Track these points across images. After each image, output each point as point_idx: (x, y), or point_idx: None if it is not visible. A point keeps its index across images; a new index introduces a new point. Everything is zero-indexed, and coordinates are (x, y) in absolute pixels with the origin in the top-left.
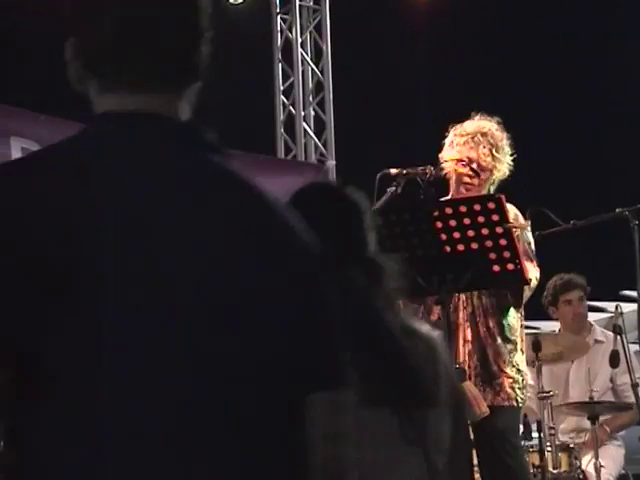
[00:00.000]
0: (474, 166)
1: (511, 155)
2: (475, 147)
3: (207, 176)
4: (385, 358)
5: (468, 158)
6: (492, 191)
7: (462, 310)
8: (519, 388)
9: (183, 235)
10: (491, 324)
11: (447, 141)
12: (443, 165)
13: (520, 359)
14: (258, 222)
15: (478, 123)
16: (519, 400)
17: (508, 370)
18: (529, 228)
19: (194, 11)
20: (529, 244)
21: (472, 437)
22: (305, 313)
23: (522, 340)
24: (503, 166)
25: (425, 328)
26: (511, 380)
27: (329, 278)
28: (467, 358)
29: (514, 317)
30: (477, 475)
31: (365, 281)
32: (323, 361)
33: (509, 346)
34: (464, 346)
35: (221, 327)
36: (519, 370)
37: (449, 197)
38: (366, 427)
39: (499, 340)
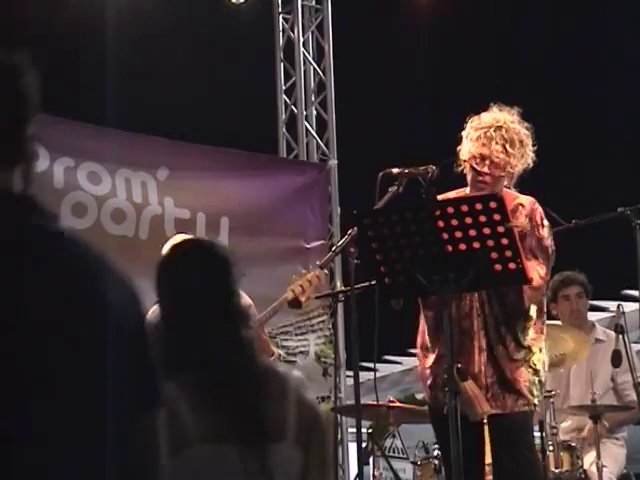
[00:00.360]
0: (487, 163)
1: (533, 145)
2: (488, 143)
3: (37, 238)
4: (233, 399)
5: (481, 155)
6: (512, 186)
7: (476, 318)
8: (536, 389)
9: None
10: (502, 332)
11: (464, 134)
12: (460, 160)
13: (538, 358)
14: (80, 277)
15: (494, 115)
16: (536, 402)
17: (525, 374)
18: (545, 222)
19: (18, 99)
20: (540, 240)
21: (487, 437)
22: (126, 351)
23: (542, 339)
24: (521, 160)
25: (282, 368)
26: (528, 383)
27: (141, 317)
28: (483, 367)
29: (530, 319)
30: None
31: (229, 329)
32: (143, 387)
33: (523, 351)
34: (480, 355)
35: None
36: (536, 370)
37: (454, 194)
38: (210, 462)
39: (512, 347)
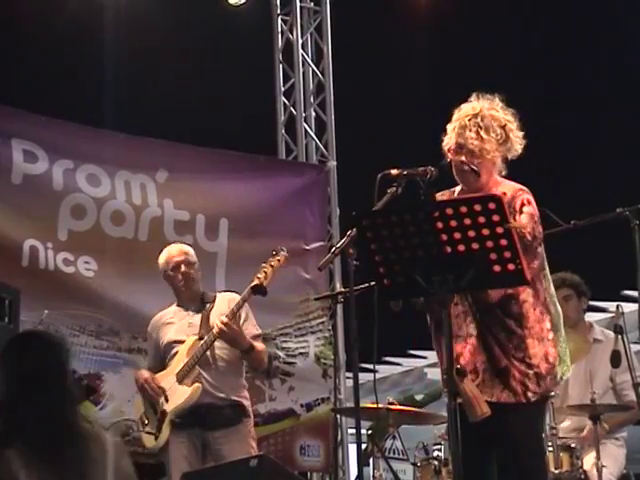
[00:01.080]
0: (463, 152)
1: (522, 130)
2: (462, 132)
3: None
4: (58, 460)
5: (457, 144)
6: (501, 174)
7: (453, 307)
8: (530, 382)
9: None
10: (491, 317)
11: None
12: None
13: (537, 350)
14: None
15: (472, 105)
16: (529, 396)
17: (517, 364)
18: (527, 209)
19: None
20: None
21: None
22: None
23: (543, 329)
24: (502, 146)
25: (96, 431)
26: (519, 374)
27: None
28: (469, 354)
29: (526, 304)
30: None
31: (58, 404)
32: None
33: (515, 339)
34: (457, 342)
35: None
36: (529, 365)
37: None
38: None
39: (502, 333)
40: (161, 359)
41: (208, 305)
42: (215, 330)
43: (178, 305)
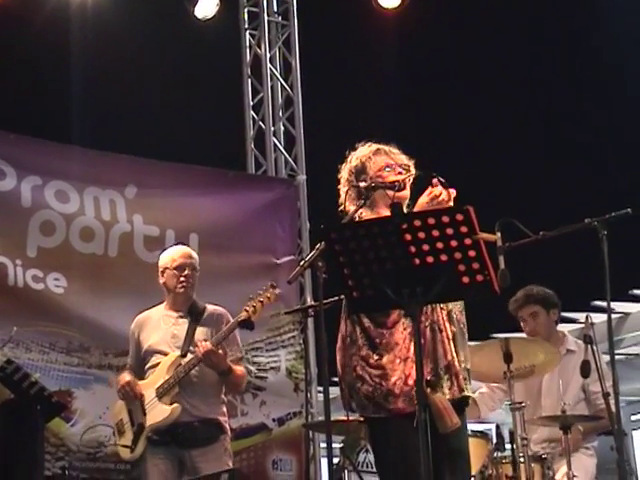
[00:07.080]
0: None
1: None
2: (385, 155)
3: None
4: None
5: (394, 162)
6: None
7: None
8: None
9: None
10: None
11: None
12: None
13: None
14: None
15: (363, 148)
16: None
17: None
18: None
19: None
20: None
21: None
22: None
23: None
24: None
25: None
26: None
27: None
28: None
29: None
30: None
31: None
32: None
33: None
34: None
35: None
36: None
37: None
38: None
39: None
40: (141, 361)
41: (195, 321)
42: (199, 354)
43: (166, 308)
